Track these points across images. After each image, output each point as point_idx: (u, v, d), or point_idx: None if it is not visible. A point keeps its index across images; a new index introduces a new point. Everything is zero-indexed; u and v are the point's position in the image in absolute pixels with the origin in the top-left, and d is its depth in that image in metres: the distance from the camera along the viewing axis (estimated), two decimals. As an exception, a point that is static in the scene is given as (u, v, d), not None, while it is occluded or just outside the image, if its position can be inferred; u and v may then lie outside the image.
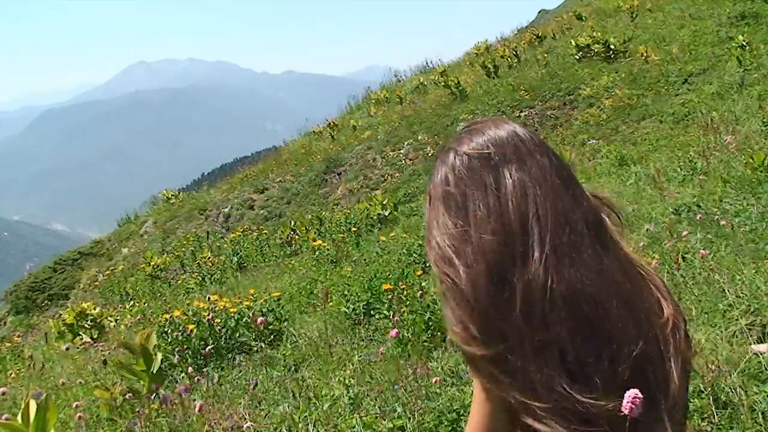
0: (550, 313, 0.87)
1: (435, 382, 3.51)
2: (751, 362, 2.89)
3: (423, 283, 5.33)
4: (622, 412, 0.81)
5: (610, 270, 0.93)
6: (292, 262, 10.32)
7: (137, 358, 4.47)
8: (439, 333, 4.43)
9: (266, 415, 3.66)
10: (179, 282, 12.22)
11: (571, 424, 0.84)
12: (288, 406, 3.66)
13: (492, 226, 0.92)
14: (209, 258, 13.08)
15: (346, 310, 5.69)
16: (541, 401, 0.86)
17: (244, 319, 5.74)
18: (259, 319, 5.55)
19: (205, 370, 5.14)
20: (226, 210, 18.73)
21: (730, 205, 5.40)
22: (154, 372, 4.45)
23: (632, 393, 0.81)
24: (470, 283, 0.92)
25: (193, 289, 11.01)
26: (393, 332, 3.98)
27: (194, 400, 3.85)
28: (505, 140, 0.98)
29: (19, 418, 2.82)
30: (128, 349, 4.60)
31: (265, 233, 14.38)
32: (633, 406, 0.81)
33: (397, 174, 16.49)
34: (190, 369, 4.86)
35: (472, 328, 0.92)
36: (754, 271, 3.85)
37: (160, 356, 4.59)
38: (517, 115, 15.97)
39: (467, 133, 1.03)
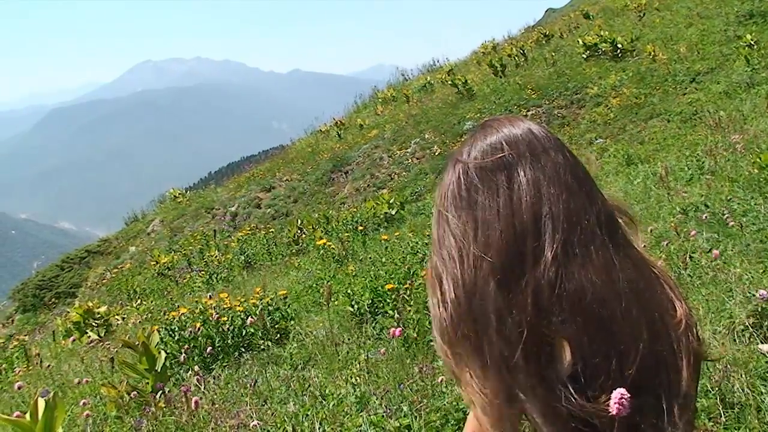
0: (559, 313, 0.87)
1: (441, 381, 3.50)
2: (758, 362, 2.88)
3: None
4: (609, 412, 0.80)
5: (623, 270, 0.91)
6: (299, 260, 10.33)
7: (140, 357, 4.49)
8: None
9: (273, 413, 3.66)
10: (186, 280, 12.25)
11: (567, 425, 0.84)
12: (294, 405, 3.67)
13: (503, 225, 0.90)
14: (216, 256, 13.10)
15: (351, 309, 5.70)
16: (538, 401, 0.85)
17: (250, 317, 5.76)
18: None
19: (212, 368, 5.16)
20: (233, 209, 18.77)
21: (738, 204, 5.38)
22: (158, 370, 4.46)
23: (619, 392, 0.79)
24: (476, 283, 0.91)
25: (200, 287, 11.03)
26: (396, 331, 3.97)
27: (200, 398, 3.86)
28: (520, 138, 0.97)
29: (27, 415, 2.84)
30: (131, 348, 4.62)
31: (272, 232, 14.41)
32: (620, 406, 0.79)
33: (403, 173, 16.48)
34: (196, 367, 4.87)
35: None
36: (761, 270, 3.84)
37: (163, 355, 4.60)
38: (525, 114, 15.93)
39: (481, 131, 1.01)
